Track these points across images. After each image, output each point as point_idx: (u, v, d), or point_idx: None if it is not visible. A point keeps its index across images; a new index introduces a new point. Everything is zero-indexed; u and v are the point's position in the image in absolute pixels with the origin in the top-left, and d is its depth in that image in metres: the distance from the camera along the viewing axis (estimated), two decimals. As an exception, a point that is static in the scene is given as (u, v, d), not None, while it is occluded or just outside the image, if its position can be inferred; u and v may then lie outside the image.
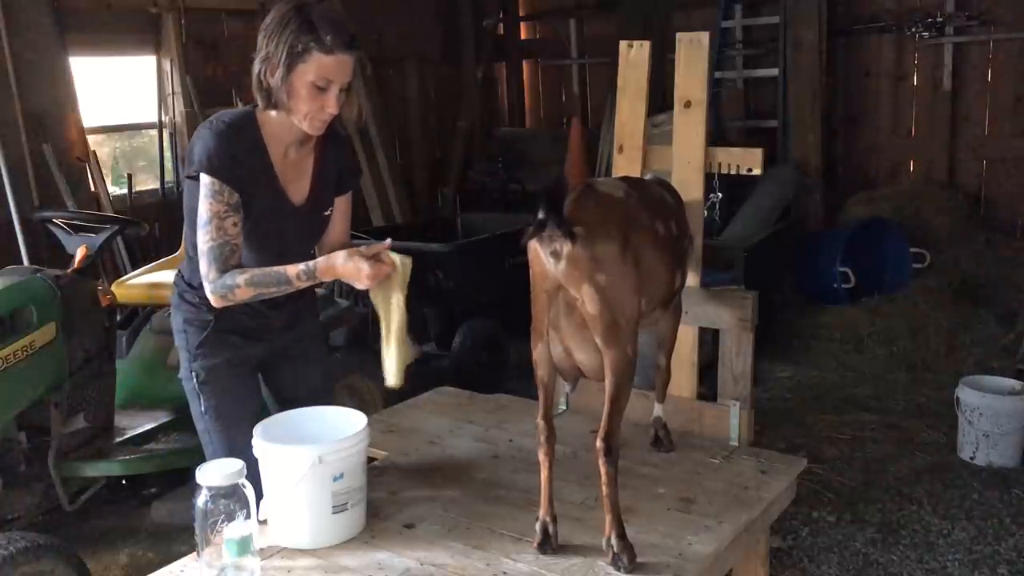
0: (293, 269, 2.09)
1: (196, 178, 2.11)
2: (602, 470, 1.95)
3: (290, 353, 2.44)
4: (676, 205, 2.43)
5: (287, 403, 2.36)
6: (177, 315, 2.32)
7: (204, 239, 2.09)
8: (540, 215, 1.85)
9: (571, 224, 1.89)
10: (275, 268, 2.10)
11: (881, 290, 5.70)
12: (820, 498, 3.70)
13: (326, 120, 2.13)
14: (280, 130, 2.16)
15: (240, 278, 2.09)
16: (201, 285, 2.20)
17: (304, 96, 2.07)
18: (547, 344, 2.08)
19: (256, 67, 2.09)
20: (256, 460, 2.05)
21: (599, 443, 1.95)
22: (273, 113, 2.14)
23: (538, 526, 2.06)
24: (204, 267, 2.10)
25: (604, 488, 1.95)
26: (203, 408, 2.30)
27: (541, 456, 2.07)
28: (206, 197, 2.08)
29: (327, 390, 2.60)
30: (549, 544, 2.04)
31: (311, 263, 2.09)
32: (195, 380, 2.29)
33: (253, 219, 2.15)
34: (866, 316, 5.48)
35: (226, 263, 2.10)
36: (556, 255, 1.93)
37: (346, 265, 2.08)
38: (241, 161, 2.11)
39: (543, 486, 2.06)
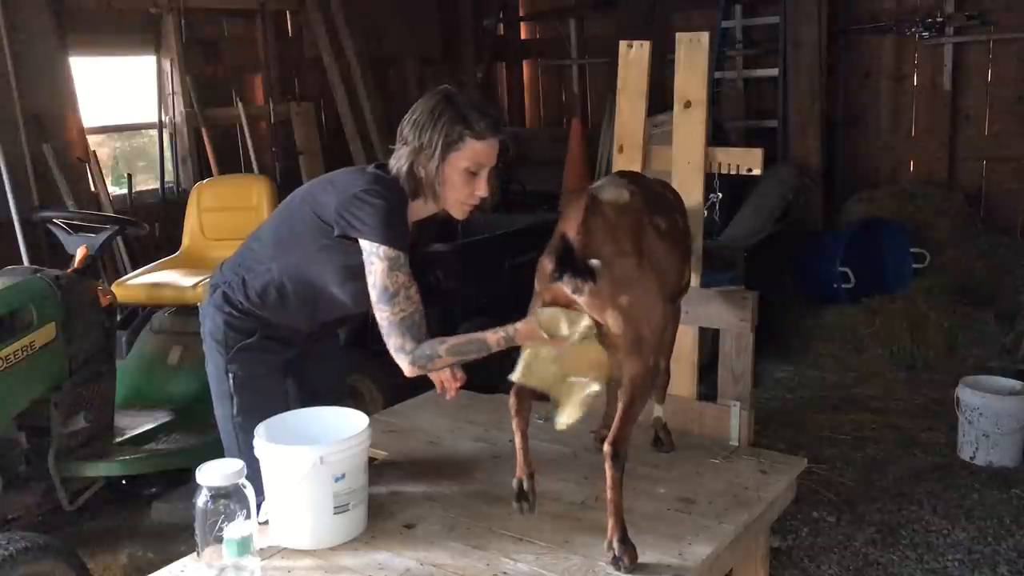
0: (493, 336, 2.05)
1: (349, 239, 2.12)
2: (608, 474, 1.95)
3: (312, 351, 2.46)
4: (676, 202, 2.43)
5: (308, 398, 2.39)
6: (216, 316, 2.29)
7: (394, 311, 2.06)
8: (555, 274, 1.87)
9: (586, 260, 1.89)
10: (474, 336, 2.06)
11: (881, 290, 5.70)
12: (820, 498, 3.70)
13: (474, 204, 2.20)
14: (414, 212, 2.22)
15: (441, 348, 2.06)
16: (255, 298, 2.24)
17: (457, 183, 2.14)
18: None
19: (405, 159, 2.14)
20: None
21: (607, 447, 1.95)
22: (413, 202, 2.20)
23: (514, 483, 2.13)
24: (397, 339, 2.06)
25: (609, 492, 1.95)
26: (235, 411, 2.29)
27: (514, 426, 2.13)
28: (391, 269, 2.06)
29: (343, 385, 2.73)
30: (526, 499, 2.12)
31: (511, 328, 2.05)
32: (231, 382, 2.28)
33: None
34: (866, 316, 5.47)
35: (419, 332, 2.08)
36: (578, 291, 1.93)
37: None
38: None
39: (519, 450, 2.13)
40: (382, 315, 2.08)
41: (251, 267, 2.29)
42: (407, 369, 2.10)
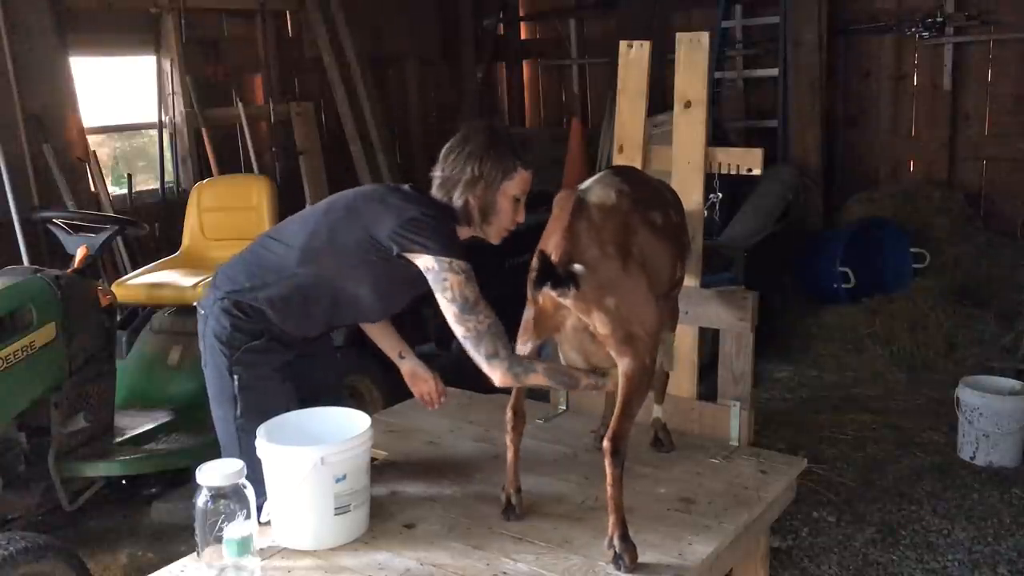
0: (586, 380, 2.16)
1: (402, 258, 2.19)
2: (608, 471, 1.96)
3: (308, 351, 2.46)
4: (674, 200, 2.43)
5: (308, 397, 2.39)
6: (223, 318, 2.28)
7: (479, 320, 2.13)
8: (536, 285, 1.92)
9: (569, 267, 1.93)
10: (570, 370, 2.17)
11: (881, 290, 5.70)
12: (820, 498, 3.70)
13: (511, 230, 2.33)
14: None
15: (540, 366, 2.15)
16: (277, 302, 2.26)
17: (507, 210, 2.29)
18: (534, 346, 2.15)
19: (460, 190, 2.24)
20: None
21: (606, 443, 1.96)
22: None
23: (503, 496, 2.20)
24: (490, 347, 2.11)
25: (609, 489, 1.96)
26: (239, 412, 2.28)
27: (508, 441, 2.20)
28: (467, 281, 2.16)
29: (341, 383, 2.80)
30: (512, 511, 2.19)
31: (603, 381, 2.15)
32: (236, 384, 2.28)
33: (408, 282, 2.24)
34: (866, 316, 5.47)
35: (506, 338, 2.15)
36: (563, 295, 1.96)
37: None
38: None
39: (510, 465, 2.20)
40: (467, 326, 2.13)
41: (273, 272, 2.29)
42: (500, 377, 2.12)
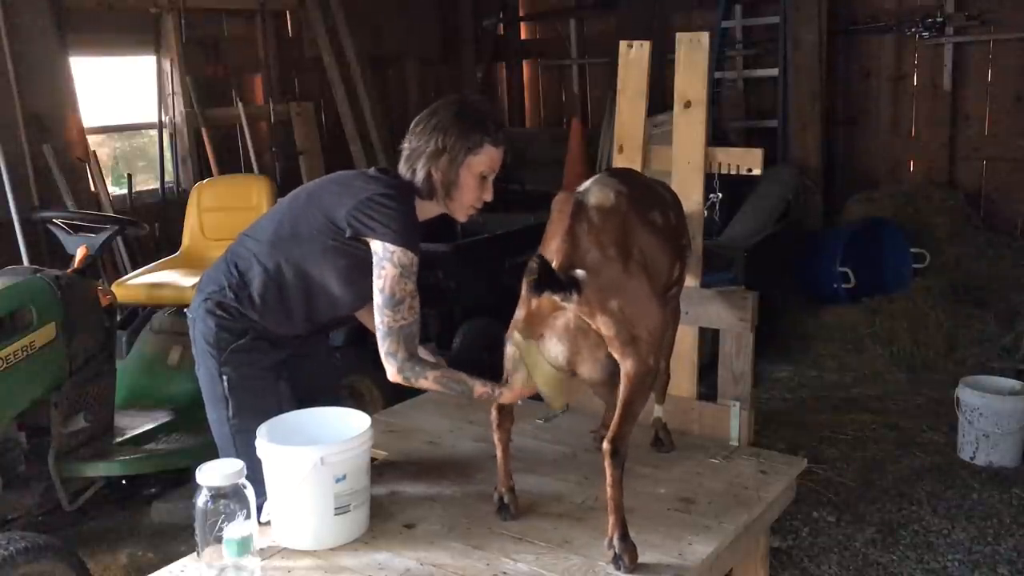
0: (480, 388, 2.15)
1: (358, 240, 2.17)
2: (607, 472, 1.95)
3: (303, 352, 2.46)
4: (673, 201, 2.42)
5: (305, 398, 2.39)
6: (208, 320, 2.28)
7: (395, 317, 2.12)
8: (535, 292, 1.90)
9: (571, 271, 1.92)
10: (463, 378, 2.15)
11: (881, 290, 5.70)
12: (820, 498, 3.70)
13: (478, 208, 2.28)
14: (422, 213, 2.27)
15: (430, 373, 2.15)
16: (256, 299, 2.25)
17: (471, 187, 2.23)
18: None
19: (423, 162, 2.21)
20: None
21: (606, 445, 1.95)
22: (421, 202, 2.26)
23: (495, 496, 2.20)
24: (392, 345, 2.13)
25: (609, 489, 1.95)
26: (231, 413, 2.28)
27: (495, 439, 2.20)
28: (402, 276, 2.12)
29: (338, 384, 2.78)
30: (508, 511, 2.18)
31: (497, 390, 2.14)
32: (225, 385, 2.27)
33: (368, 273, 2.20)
34: (866, 316, 5.47)
35: (414, 342, 2.15)
36: (566, 300, 1.94)
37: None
38: None
39: (500, 464, 2.21)
40: (382, 318, 2.13)
41: (248, 267, 2.29)
42: (392, 374, 2.16)
